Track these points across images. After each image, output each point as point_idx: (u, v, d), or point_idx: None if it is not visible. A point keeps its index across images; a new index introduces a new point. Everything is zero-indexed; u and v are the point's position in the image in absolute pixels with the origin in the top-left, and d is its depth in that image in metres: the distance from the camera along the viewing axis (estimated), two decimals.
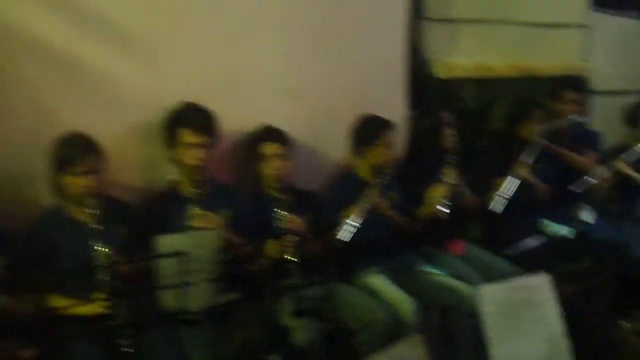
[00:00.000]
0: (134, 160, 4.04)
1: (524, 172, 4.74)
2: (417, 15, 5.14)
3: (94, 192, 3.55)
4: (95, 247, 3.41)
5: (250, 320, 3.74)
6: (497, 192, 4.59)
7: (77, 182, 3.54)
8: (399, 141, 4.76)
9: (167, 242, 3.15)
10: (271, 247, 3.87)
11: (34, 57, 3.72)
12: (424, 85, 5.20)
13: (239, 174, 4.31)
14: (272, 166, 4.12)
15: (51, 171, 3.62)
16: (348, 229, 4.02)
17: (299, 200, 4.17)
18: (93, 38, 3.85)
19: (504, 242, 4.69)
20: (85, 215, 3.54)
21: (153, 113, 3.98)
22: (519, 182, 4.67)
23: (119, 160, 3.87)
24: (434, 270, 4.37)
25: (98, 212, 3.50)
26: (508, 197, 4.59)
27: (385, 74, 4.89)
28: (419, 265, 4.41)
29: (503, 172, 4.70)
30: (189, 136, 3.85)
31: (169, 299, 3.21)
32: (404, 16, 4.93)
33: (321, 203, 4.35)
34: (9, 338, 3.23)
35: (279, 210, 3.93)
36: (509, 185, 4.62)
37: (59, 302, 3.52)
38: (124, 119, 3.97)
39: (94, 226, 3.46)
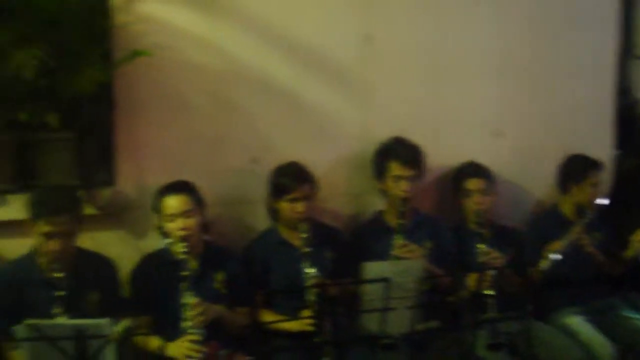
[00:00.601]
0: (343, 190, 4.30)
1: None
2: (626, 54, 5.05)
3: (306, 217, 3.81)
4: (305, 269, 3.66)
5: (446, 349, 3.84)
6: None
7: (291, 208, 3.82)
8: (604, 181, 4.69)
9: (372, 268, 3.32)
10: (470, 280, 3.94)
11: (255, 91, 4.08)
12: (632, 125, 5.07)
13: (442, 207, 4.45)
14: (475, 201, 4.21)
15: (268, 197, 3.94)
16: (549, 263, 4.03)
17: (500, 235, 4.22)
18: (311, 75, 4.16)
19: None
20: (297, 238, 3.81)
21: (363, 146, 4.22)
22: None
23: (329, 189, 4.12)
24: (635, 315, 4.25)
25: (308, 237, 3.75)
26: None
27: (593, 113, 4.84)
28: (619, 309, 4.31)
29: None
30: (397, 169, 4.03)
31: (370, 322, 3.37)
32: (614, 55, 4.88)
33: (522, 239, 4.37)
34: (225, 344, 3.54)
35: (480, 245, 4.00)
36: None
37: (269, 317, 3.82)
38: (336, 150, 4.25)
39: (305, 249, 3.71)
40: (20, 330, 2.70)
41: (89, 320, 2.77)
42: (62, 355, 2.68)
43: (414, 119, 4.32)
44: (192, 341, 3.40)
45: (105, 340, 2.69)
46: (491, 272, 3.86)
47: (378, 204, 4.23)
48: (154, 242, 3.85)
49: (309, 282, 3.62)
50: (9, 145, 3.69)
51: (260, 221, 4.07)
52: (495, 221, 4.31)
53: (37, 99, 3.55)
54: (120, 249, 3.84)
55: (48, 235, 3.33)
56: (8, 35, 3.32)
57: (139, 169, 3.90)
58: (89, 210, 3.66)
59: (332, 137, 4.23)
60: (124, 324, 2.71)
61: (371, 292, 3.28)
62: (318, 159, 4.04)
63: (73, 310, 3.26)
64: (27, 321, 2.68)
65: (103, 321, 2.71)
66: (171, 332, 3.50)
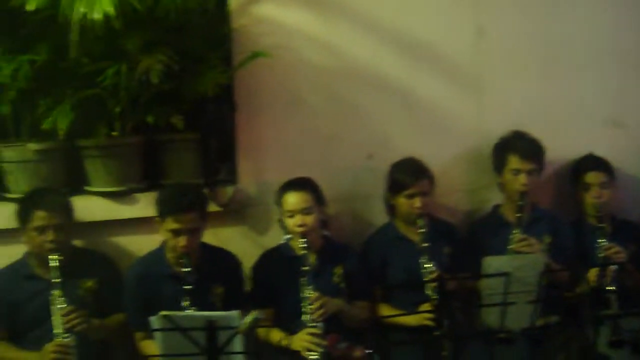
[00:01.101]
0: (459, 185, 4.30)
1: None
2: None
3: (423, 213, 3.83)
4: (423, 264, 3.69)
5: (566, 345, 3.80)
6: None
7: (409, 204, 3.85)
8: None
9: (493, 262, 3.32)
10: (590, 275, 3.87)
11: (369, 88, 4.13)
12: None
13: (560, 201, 4.38)
14: (594, 194, 4.13)
15: (386, 192, 3.99)
16: None
17: (621, 230, 4.12)
18: (424, 70, 4.19)
19: None
20: (415, 234, 3.84)
21: (479, 140, 4.22)
22: None
23: (445, 184, 4.13)
24: None
25: (426, 232, 3.77)
26: None
27: None
28: None
29: None
30: (516, 162, 4.00)
31: (489, 317, 3.37)
32: None
33: None
34: (344, 337, 3.60)
35: (600, 239, 3.92)
36: None
37: (387, 311, 3.86)
38: (451, 146, 4.26)
39: (423, 244, 3.74)
40: (155, 321, 2.84)
41: (218, 312, 2.89)
42: (193, 345, 2.80)
43: (529, 112, 4.28)
44: (312, 334, 3.47)
45: (235, 332, 2.80)
46: (612, 268, 3.79)
47: (494, 199, 4.21)
48: (274, 238, 3.98)
49: (428, 277, 3.65)
50: (137, 146, 3.88)
51: (377, 216, 4.12)
52: (615, 215, 4.22)
53: (163, 102, 3.72)
54: (242, 245, 3.97)
55: (176, 232, 3.48)
56: (136, 43, 3.48)
57: (259, 166, 4.03)
58: (212, 207, 3.80)
59: (447, 132, 4.23)
60: (252, 316, 2.81)
61: (491, 287, 3.28)
62: (433, 154, 4.04)
63: (199, 303, 3.41)
64: (162, 312, 2.81)
65: (232, 313, 2.82)
66: (292, 325, 3.60)
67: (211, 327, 2.78)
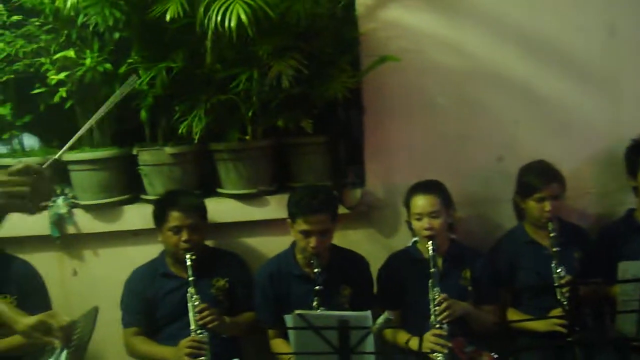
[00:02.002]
0: (590, 187, 4.19)
1: None
2: None
3: (553, 217, 3.75)
4: (554, 269, 3.62)
5: None
6: None
7: (539, 207, 3.77)
8: None
9: (629, 268, 3.23)
10: None
11: (499, 89, 4.08)
12: None
13: None
14: None
15: (515, 195, 3.93)
16: None
17: None
18: (554, 70, 4.09)
19: None
20: (545, 237, 3.76)
21: (611, 142, 4.08)
22: None
23: (576, 187, 4.03)
24: None
25: (557, 236, 3.70)
26: None
27: None
28: None
29: None
30: None
31: (625, 324, 3.28)
32: None
33: None
34: (471, 341, 3.57)
35: None
36: None
37: (515, 315, 3.81)
38: (583, 147, 4.14)
39: (553, 249, 3.67)
40: (289, 319, 2.91)
41: (351, 312, 2.93)
42: (325, 344, 2.84)
43: None
44: (437, 335, 3.47)
45: (367, 332, 2.83)
46: None
47: (627, 202, 4.07)
48: (401, 240, 4.00)
49: (559, 282, 3.58)
50: (268, 149, 3.98)
51: (506, 220, 4.06)
52: None
53: (293, 106, 3.80)
54: (369, 247, 4.01)
55: (306, 233, 3.55)
56: (267, 48, 3.57)
57: (387, 169, 4.05)
58: (340, 209, 3.84)
59: (578, 133, 4.12)
60: (384, 316, 2.84)
61: (627, 293, 3.19)
62: (564, 155, 3.95)
63: (327, 303, 3.47)
64: (296, 311, 2.87)
65: (365, 313, 2.86)
66: (418, 327, 3.60)
67: (344, 327, 2.82)
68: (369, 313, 2.87)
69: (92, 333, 2.53)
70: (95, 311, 2.63)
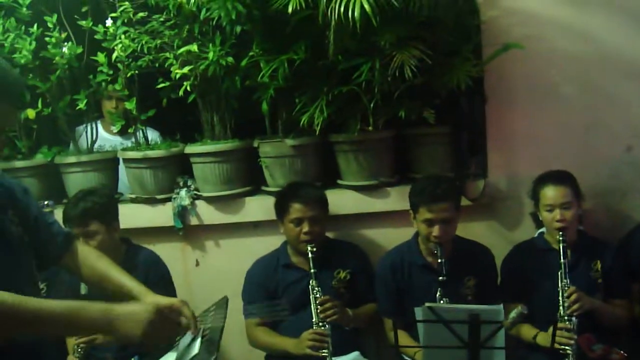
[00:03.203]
0: None
1: None
2: None
3: None
4: None
5: None
6: None
7: None
8: None
9: None
10: None
11: (627, 77, 3.91)
12: None
13: None
14: None
15: None
16: None
17: None
18: None
19: None
20: None
21: None
22: None
23: None
24: None
25: None
26: None
27: None
28: None
29: None
30: None
31: None
32: None
33: None
34: (599, 338, 3.45)
35: None
36: None
37: None
38: None
39: None
40: (419, 311, 2.88)
41: (482, 306, 2.87)
42: (455, 338, 2.80)
43: None
44: (564, 328, 3.37)
45: (499, 326, 2.77)
46: None
47: None
48: (524, 232, 3.92)
49: None
50: (388, 140, 3.95)
51: (636, 211, 3.92)
52: None
53: (414, 97, 3.75)
54: (491, 239, 3.92)
55: (429, 222, 3.51)
56: (389, 38, 3.53)
57: (510, 159, 3.96)
58: (462, 201, 3.77)
59: None
60: (517, 310, 2.77)
61: None
62: None
63: (451, 294, 3.42)
64: (427, 304, 2.83)
65: (497, 307, 2.80)
66: (543, 321, 3.50)
67: (474, 321, 2.76)
68: (501, 307, 2.81)
69: (224, 322, 2.55)
70: (225, 301, 2.66)
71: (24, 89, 2.35)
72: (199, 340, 2.44)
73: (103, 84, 4.07)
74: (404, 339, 3.57)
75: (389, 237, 3.95)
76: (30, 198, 2.43)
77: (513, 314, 2.76)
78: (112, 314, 2.07)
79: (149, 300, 2.39)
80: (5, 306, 1.95)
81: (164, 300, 2.39)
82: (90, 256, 2.56)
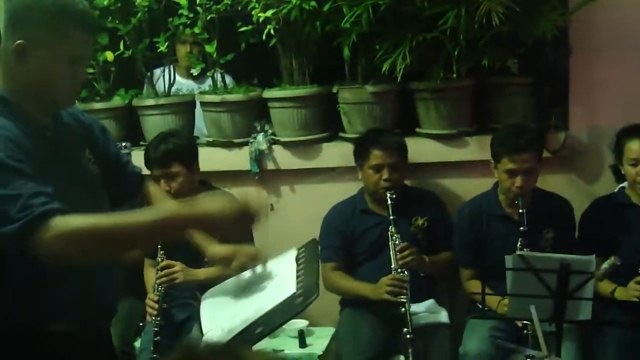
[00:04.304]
0: None
1: None
2: None
3: None
4: None
5: None
6: None
7: None
8: None
9: None
10: None
11: None
12: None
13: None
14: None
15: None
16: None
17: None
18: None
19: None
20: None
21: None
22: None
23: None
24: None
25: None
26: None
27: None
28: None
29: None
30: None
31: None
32: None
33: None
34: None
35: None
36: None
37: None
38: None
39: None
40: (509, 259, 2.88)
41: (575, 255, 2.86)
42: (543, 287, 2.80)
43: None
44: None
45: (588, 277, 2.76)
46: None
47: None
48: (603, 186, 3.87)
49: None
50: (469, 89, 3.92)
51: None
52: None
53: (499, 45, 3.70)
54: (569, 193, 3.87)
55: (511, 172, 3.49)
56: None
57: (592, 112, 3.89)
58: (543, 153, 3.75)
59: None
60: (610, 261, 2.76)
61: None
62: None
63: (529, 246, 3.39)
64: (518, 252, 2.83)
65: (589, 258, 2.79)
66: (623, 275, 3.47)
67: (564, 270, 2.76)
68: (593, 257, 2.80)
69: (319, 263, 2.57)
70: (315, 243, 2.67)
71: (95, 19, 2.33)
72: (293, 280, 2.46)
73: (181, 27, 4.08)
74: (478, 288, 3.58)
75: (466, 187, 3.94)
76: (109, 136, 2.47)
77: (605, 265, 2.76)
78: (194, 200, 2.15)
79: (214, 248, 2.50)
80: (104, 229, 2.00)
81: (220, 250, 2.52)
82: (161, 197, 2.62)
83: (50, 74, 2.10)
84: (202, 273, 3.54)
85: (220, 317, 2.40)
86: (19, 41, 2.05)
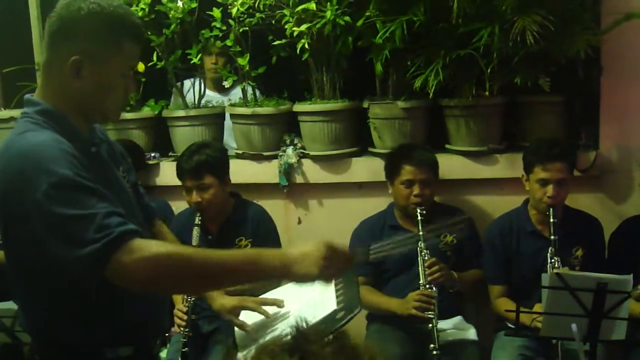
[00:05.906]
0: None
1: None
2: None
3: None
4: None
5: None
6: None
7: None
8: None
9: None
10: None
11: None
12: None
13: None
14: None
15: None
16: None
17: None
18: None
19: None
20: None
21: None
22: None
23: None
24: None
25: None
26: None
27: None
28: None
29: None
30: None
31: None
32: None
33: None
34: None
35: None
36: None
37: None
38: None
39: None
40: (546, 277, 2.88)
41: (611, 275, 2.85)
42: (578, 305, 2.80)
43: None
44: None
45: (625, 296, 2.76)
46: None
47: None
48: (632, 206, 3.87)
49: None
50: (500, 107, 3.93)
51: None
52: None
53: (531, 64, 3.71)
54: (600, 212, 3.87)
55: (543, 182, 3.51)
56: (511, 3, 3.50)
57: (623, 132, 3.89)
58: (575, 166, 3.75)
59: None
60: None
61: None
62: None
63: (559, 263, 3.40)
64: (555, 270, 2.84)
65: (626, 277, 2.78)
66: None
67: (601, 290, 2.76)
68: (630, 277, 2.79)
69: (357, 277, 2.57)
70: None
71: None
72: (332, 295, 2.47)
73: (211, 39, 4.11)
74: (508, 306, 3.58)
75: (496, 204, 3.95)
76: (129, 162, 2.38)
77: None
78: (289, 258, 2.06)
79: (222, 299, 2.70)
80: (197, 261, 1.97)
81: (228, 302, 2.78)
82: (171, 239, 2.51)
83: (106, 88, 2.06)
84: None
85: (258, 335, 2.42)
86: (74, 57, 1.99)
